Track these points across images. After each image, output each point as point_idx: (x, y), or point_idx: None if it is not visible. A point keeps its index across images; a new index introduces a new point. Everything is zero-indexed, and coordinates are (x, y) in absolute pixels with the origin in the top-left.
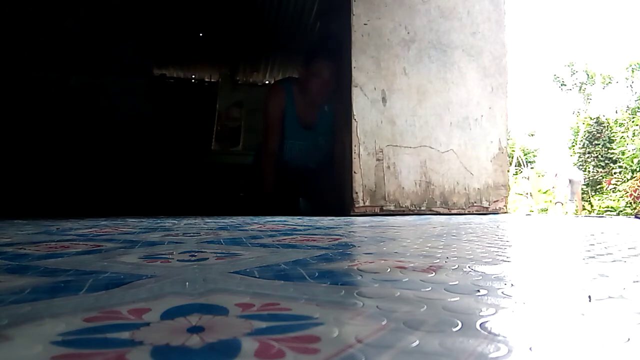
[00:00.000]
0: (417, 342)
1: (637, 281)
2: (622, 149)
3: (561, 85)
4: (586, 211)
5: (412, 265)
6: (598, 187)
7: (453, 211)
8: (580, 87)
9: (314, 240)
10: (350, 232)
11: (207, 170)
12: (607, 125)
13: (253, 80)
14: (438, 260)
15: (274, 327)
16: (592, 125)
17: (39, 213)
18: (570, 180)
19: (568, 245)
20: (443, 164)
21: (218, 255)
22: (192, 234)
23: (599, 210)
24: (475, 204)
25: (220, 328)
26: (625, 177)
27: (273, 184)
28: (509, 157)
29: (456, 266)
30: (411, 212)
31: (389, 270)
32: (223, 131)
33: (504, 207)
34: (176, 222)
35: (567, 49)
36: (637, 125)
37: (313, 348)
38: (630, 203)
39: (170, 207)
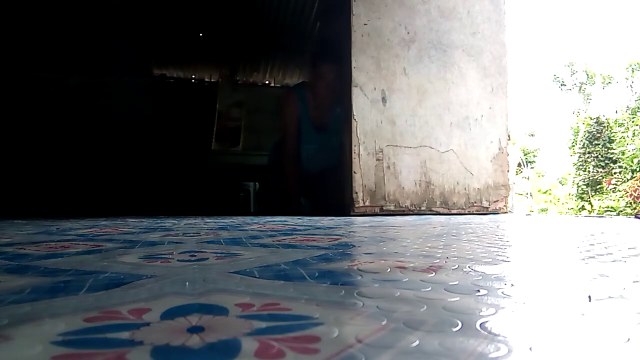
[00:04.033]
0: (417, 342)
1: (637, 281)
2: (622, 149)
3: (561, 85)
4: (586, 211)
5: (412, 265)
6: (598, 187)
7: (453, 211)
8: (580, 87)
9: (314, 240)
10: (350, 232)
11: (206, 170)
12: (607, 125)
13: (253, 80)
14: (438, 260)
15: (274, 327)
16: (592, 125)
17: (39, 213)
18: None
19: (568, 245)
20: (443, 164)
21: (218, 255)
22: (192, 234)
23: (599, 210)
24: (475, 204)
25: (220, 328)
26: (625, 177)
27: (296, 185)
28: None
29: (456, 266)
30: (411, 212)
31: (389, 270)
32: (223, 131)
33: (504, 207)
34: (176, 222)
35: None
36: (637, 125)
37: (313, 348)
38: (630, 203)
39: (170, 207)
